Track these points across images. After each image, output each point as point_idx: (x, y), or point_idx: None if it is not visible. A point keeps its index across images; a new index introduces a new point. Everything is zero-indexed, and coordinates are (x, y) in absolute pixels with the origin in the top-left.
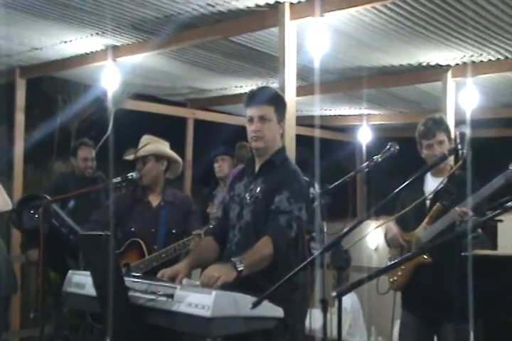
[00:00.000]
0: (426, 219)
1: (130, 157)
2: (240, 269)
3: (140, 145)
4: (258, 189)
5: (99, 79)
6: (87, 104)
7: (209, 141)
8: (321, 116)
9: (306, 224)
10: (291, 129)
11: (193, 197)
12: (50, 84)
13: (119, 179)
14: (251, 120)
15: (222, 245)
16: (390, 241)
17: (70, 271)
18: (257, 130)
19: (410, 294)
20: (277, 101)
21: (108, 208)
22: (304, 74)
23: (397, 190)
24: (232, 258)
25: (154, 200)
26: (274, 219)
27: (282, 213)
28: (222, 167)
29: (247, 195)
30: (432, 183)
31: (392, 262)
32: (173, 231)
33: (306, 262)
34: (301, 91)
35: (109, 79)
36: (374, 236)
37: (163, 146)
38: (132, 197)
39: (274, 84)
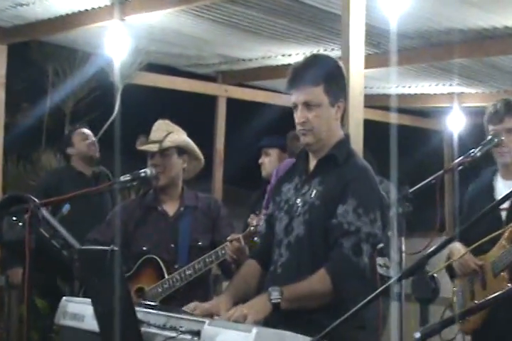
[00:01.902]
0: (505, 236)
1: (152, 147)
2: (275, 301)
3: (154, 133)
4: (313, 193)
5: (102, 45)
6: (86, 78)
7: (247, 126)
8: (398, 95)
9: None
10: (357, 112)
11: (227, 201)
12: (39, 52)
13: (128, 177)
14: (295, 107)
15: (267, 268)
16: (457, 268)
17: (64, 298)
18: (303, 121)
19: (486, 338)
20: (329, 75)
21: (111, 224)
22: (376, 38)
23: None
24: (271, 288)
25: (171, 207)
26: (336, 243)
27: (347, 234)
28: (271, 164)
29: (298, 200)
30: (504, 188)
31: (486, 299)
32: (199, 243)
33: (377, 292)
34: (371, 61)
35: (116, 44)
36: None
37: (186, 137)
38: (142, 206)
39: (335, 52)
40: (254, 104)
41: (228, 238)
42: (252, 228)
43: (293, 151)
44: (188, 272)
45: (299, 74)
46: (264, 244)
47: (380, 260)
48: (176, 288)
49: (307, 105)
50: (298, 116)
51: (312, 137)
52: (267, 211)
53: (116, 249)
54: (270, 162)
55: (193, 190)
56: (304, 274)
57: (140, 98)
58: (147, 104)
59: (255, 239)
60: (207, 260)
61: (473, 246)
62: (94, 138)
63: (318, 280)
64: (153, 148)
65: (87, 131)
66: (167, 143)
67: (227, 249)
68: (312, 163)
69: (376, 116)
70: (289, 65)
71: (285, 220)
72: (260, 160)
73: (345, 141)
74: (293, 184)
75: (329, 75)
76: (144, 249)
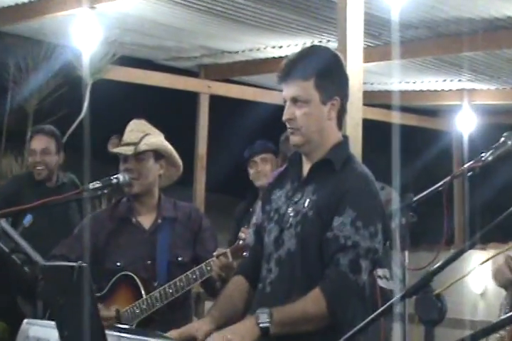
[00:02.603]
0: None
1: (126, 150)
2: (263, 325)
3: (129, 134)
4: (307, 202)
5: (69, 36)
6: (51, 73)
7: (232, 127)
8: (401, 91)
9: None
10: (356, 111)
11: (210, 210)
12: None
13: (98, 184)
14: (285, 102)
15: (256, 285)
16: (495, 276)
17: (26, 321)
18: (288, 118)
19: None
20: (322, 69)
21: (79, 237)
22: (376, 29)
23: None
24: (259, 309)
25: (147, 219)
26: (332, 259)
27: (345, 249)
28: (264, 171)
29: (289, 209)
30: None
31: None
32: (179, 259)
33: (377, 313)
34: (371, 54)
35: (85, 35)
36: (480, 275)
37: (164, 140)
38: (114, 217)
39: (331, 44)
40: (241, 101)
41: (214, 253)
42: (241, 241)
43: (285, 154)
44: (169, 290)
45: (289, 67)
46: (253, 258)
47: (379, 271)
48: (156, 308)
49: (295, 101)
50: (284, 113)
51: (300, 137)
52: (256, 221)
53: (84, 265)
54: (261, 170)
55: (170, 199)
56: (296, 294)
57: (112, 95)
58: (120, 102)
59: (245, 254)
60: (190, 277)
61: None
62: (48, 156)
63: (312, 301)
64: (128, 151)
65: (42, 144)
66: (143, 146)
67: (213, 265)
68: (306, 167)
69: (377, 115)
70: (280, 57)
71: (275, 232)
72: (259, 168)
73: (342, 144)
74: (284, 191)
75: (322, 69)
76: (118, 265)
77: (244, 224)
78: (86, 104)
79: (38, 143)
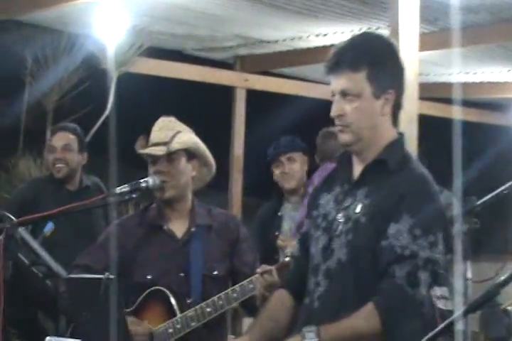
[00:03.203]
0: None
1: (157, 150)
2: None
3: (157, 133)
4: (359, 207)
5: (92, 25)
6: (72, 67)
7: (272, 125)
8: (461, 83)
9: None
10: (411, 105)
11: (247, 217)
12: (14, 35)
13: (126, 188)
14: (333, 97)
15: (301, 300)
16: None
17: (48, 338)
18: (338, 114)
19: None
20: (375, 59)
21: (104, 247)
22: (433, 13)
23: None
24: (305, 328)
25: (179, 227)
26: (387, 271)
27: (401, 260)
28: (291, 172)
29: (339, 215)
30: None
31: None
32: (215, 272)
33: (436, 331)
34: (427, 42)
35: (109, 24)
36: None
37: (196, 138)
38: (143, 224)
39: (382, 31)
40: (282, 96)
41: (258, 270)
42: (286, 259)
43: (326, 153)
44: (206, 309)
45: (338, 57)
46: (298, 270)
47: (437, 290)
48: (191, 328)
49: (345, 95)
50: (333, 108)
51: (350, 135)
52: (302, 228)
53: (112, 276)
54: (299, 169)
55: (204, 204)
56: (347, 309)
57: (139, 90)
58: (148, 98)
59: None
60: (231, 295)
61: None
62: (69, 153)
63: (365, 318)
64: (159, 151)
65: (63, 140)
66: (176, 145)
67: (256, 283)
68: (357, 169)
69: (433, 109)
70: (324, 47)
71: (323, 240)
72: (286, 169)
73: (398, 143)
74: (333, 195)
75: (375, 58)
76: (149, 278)
77: (273, 230)
78: (111, 100)
79: (59, 139)
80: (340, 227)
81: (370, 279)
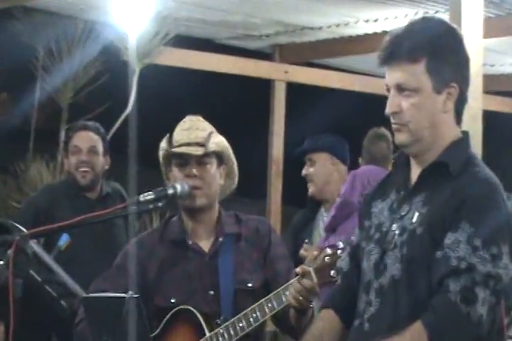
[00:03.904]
0: None
1: (194, 150)
2: None
3: (186, 133)
4: (415, 216)
5: (111, 12)
6: (89, 58)
7: (315, 123)
8: None
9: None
10: (474, 101)
11: (287, 227)
12: (25, 23)
13: (150, 195)
14: (388, 90)
15: (350, 322)
16: None
17: None
18: (394, 111)
19: None
20: (435, 48)
21: (123, 269)
22: None
23: None
24: None
25: (205, 240)
26: (441, 285)
27: (456, 273)
28: (310, 175)
29: (394, 226)
30: None
31: None
32: (249, 285)
33: None
34: (492, 28)
35: (131, 10)
36: None
37: (225, 141)
38: (164, 240)
39: (441, 16)
40: (326, 90)
41: (297, 270)
42: (327, 258)
43: (373, 155)
44: (238, 324)
45: (393, 45)
46: (347, 287)
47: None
48: None
49: (401, 89)
50: (388, 104)
51: (408, 135)
52: (353, 240)
53: (136, 295)
54: (318, 172)
55: (230, 212)
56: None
57: (164, 84)
58: (174, 93)
59: (333, 275)
60: (265, 306)
61: None
62: (95, 156)
63: (412, 338)
64: (196, 150)
65: (89, 142)
66: (212, 146)
67: (291, 288)
68: (415, 173)
69: (501, 105)
70: (375, 34)
71: (376, 254)
72: (304, 171)
73: (462, 143)
74: (388, 202)
75: (436, 47)
76: (173, 302)
77: (304, 236)
78: (133, 95)
79: (84, 139)
80: (395, 239)
81: (426, 299)
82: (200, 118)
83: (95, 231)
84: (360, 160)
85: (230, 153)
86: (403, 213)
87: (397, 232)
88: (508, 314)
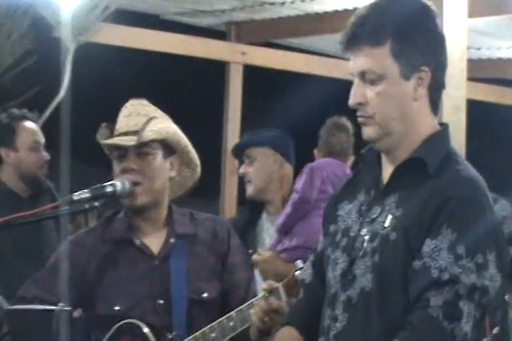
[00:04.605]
0: None
1: (126, 140)
2: None
3: (126, 120)
4: (388, 219)
5: None
6: (16, 36)
7: (276, 110)
8: None
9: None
10: (456, 88)
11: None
12: None
13: (86, 194)
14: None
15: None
16: None
17: None
18: (358, 102)
19: None
20: (401, 27)
21: (56, 272)
22: None
23: None
24: None
25: (154, 240)
26: (420, 300)
27: (438, 286)
28: (248, 175)
29: (364, 231)
30: None
31: None
32: (204, 295)
33: None
34: (479, 6)
35: None
36: None
37: (175, 127)
38: (107, 239)
39: None
40: (288, 74)
41: (263, 286)
42: (297, 272)
43: (331, 148)
44: None
45: (356, 28)
46: (309, 301)
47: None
48: None
49: (365, 78)
50: (352, 94)
51: (376, 128)
52: (318, 247)
53: (68, 308)
54: (259, 170)
55: (185, 209)
56: None
57: (103, 65)
58: (115, 75)
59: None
60: (226, 325)
61: None
62: (45, 153)
63: None
64: (128, 141)
65: (40, 135)
66: (149, 134)
67: (256, 307)
68: (387, 171)
69: (487, 94)
70: (346, 11)
71: (343, 263)
72: (242, 170)
73: (440, 137)
74: (356, 204)
75: (401, 27)
76: (116, 309)
77: (247, 244)
78: (66, 78)
79: (39, 134)
80: (364, 246)
81: (402, 315)
82: (144, 102)
83: (22, 235)
84: (315, 152)
85: (181, 140)
86: (374, 216)
87: (366, 238)
88: (490, 332)
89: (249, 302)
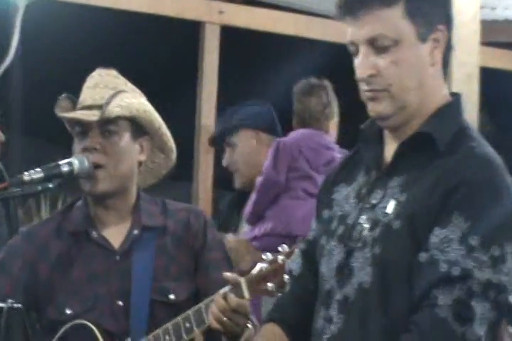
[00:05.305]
0: None
1: (87, 115)
2: None
3: (90, 92)
4: (391, 205)
5: None
6: None
7: (258, 79)
8: None
9: None
10: (469, 54)
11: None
12: None
13: (38, 173)
14: (354, 49)
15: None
16: None
17: None
18: (370, 74)
19: None
20: None
21: (3, 269)
22: None
23: None
24: None
25: (115, 232)
26: (427, 297)
27: (447, 282)
28: (240, 159)
29: (363, 218)
30: None
31: None
32: (171, 296)
33: None
34: None
35: None
36: None
37: (147, 103)
38: (62, 231)
39: None
40: (273, 36)
41: (225, 275)
42: (264, 265)
43: (300, 116)
44: None
45: None
46: (298, 296)
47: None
48: None
49: (375, 45)
50: (360, 66)
51: (390, 103)
52: (308, 234)
53: (18, 306)
54: (242, 155)
55: (155, 198)
56: None
57: (60, 26)
58: (74, 39)
59: (270, 287)
60: (182, 325)
61: None
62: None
63: None
64: (91, 115)
65: None
66: (115, 110)
67: (213, 306)
68: (390, 149)
69: (503, 60)
70: None
71: (339, 254)
72: (225, 161)
73: (452, 109)
74: (354, 187)
75: None
76: (69, 313)
77: (233, 226)
78: (15, 41)
79: None
80: (364, 235)
81: (406, 315)
82: (114, 73)
83: None
84: (293, 123)
85: (154, 120)
86: (375, 201)
87: (366, 226)
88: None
89: (210, 298)
